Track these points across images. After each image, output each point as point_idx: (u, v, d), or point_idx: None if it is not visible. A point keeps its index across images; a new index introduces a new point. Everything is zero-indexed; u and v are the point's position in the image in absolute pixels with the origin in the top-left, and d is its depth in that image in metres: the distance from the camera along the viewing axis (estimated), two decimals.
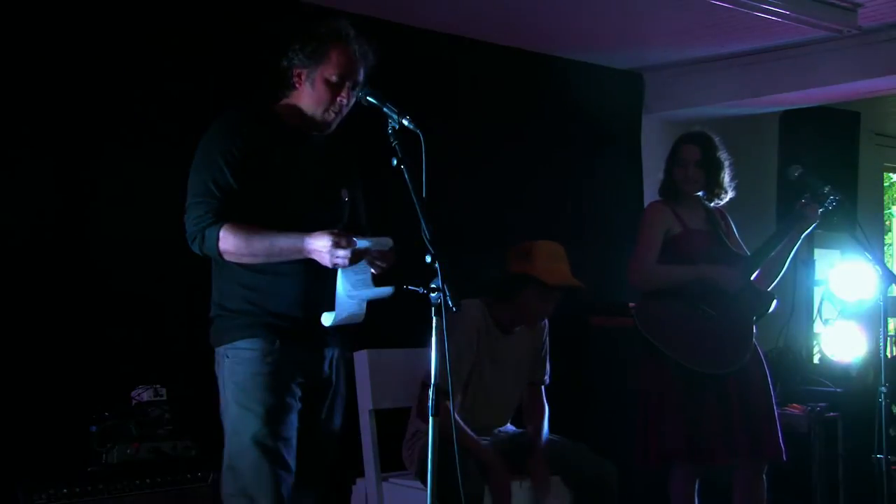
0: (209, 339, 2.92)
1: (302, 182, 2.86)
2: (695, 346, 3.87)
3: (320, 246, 2.69)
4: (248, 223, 2.74)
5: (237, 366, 2.80)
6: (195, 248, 2.78)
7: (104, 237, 3.83)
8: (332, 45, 2.83)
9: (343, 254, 2.68)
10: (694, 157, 3.99)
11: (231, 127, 2.82)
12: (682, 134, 4.09)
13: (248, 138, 2.79)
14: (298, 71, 2.85)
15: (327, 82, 2.83)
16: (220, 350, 2.86)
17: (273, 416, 2.77)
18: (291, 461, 2.80)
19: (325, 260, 2.70)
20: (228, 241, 2.73)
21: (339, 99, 2.85)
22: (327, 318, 2.80)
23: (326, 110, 2.86)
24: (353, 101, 2.88)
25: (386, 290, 2.78)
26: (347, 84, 2.84)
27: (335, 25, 2.87)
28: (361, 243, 2.72)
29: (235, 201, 2.75)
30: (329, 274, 2.79)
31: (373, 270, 2.84)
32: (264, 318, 2.80)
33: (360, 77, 2.87)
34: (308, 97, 2.86)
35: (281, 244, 2.75)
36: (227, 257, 2.76)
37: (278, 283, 2.80)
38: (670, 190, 4.05)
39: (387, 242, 2.78)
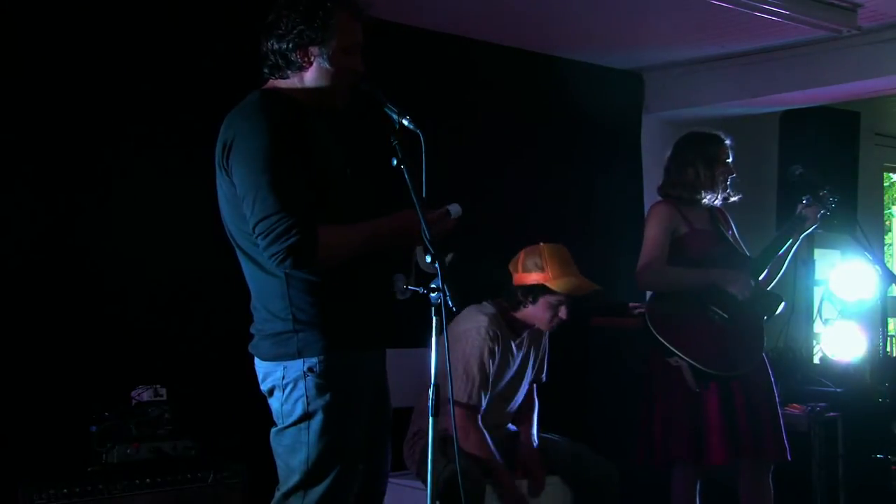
0: (256, 350, 2.70)
1: (332, 163, 2.68)
2: (706, 347, 3.86)
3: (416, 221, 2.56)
4: (324, 223, 2.53)
5: (329, 381, 2.58)
6: (285, 266, 2.51)
7: (105, 237, 3.83)
8: (340, 13, 2.62)
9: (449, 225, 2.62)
10: (730, 156, 4.02)
11: (272, 116, 2.55)
12: (712, 134, 4.05)
13: (290, 125, 2.55)
14: (304, 49, 2.61)
15: (345, 53, 2.63)
16: (293, 363, 2.59)
17: (359, 433, 2.64)
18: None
19: (422, 235, 2.56)
20: (329, 253, 2.53)
21: (359, 68, 2.68)
22: (404, 291, 2.68)
23: (348, 83, 2.68)
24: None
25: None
26: (359, 49, 2.68)
27: None
28: (453, 210, 2.66)
29: (305, 198, 2.51)
30: (383, 266, 2.70)
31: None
32: (347, 329, 2.62)
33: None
34: (323, 74, 2.64)
35: (379, 235, 2.62)
36: (324, 265, 2.55)
37: (349, 289, 2.62)
38: (693, 189, 4.01)
39: (458, 209, 2.70)
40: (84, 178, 3.81)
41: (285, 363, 2.61)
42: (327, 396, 2.58)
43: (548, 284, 3.70)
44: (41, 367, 3.64)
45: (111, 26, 3.86)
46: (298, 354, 2.59)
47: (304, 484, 2.61)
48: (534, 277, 3.73)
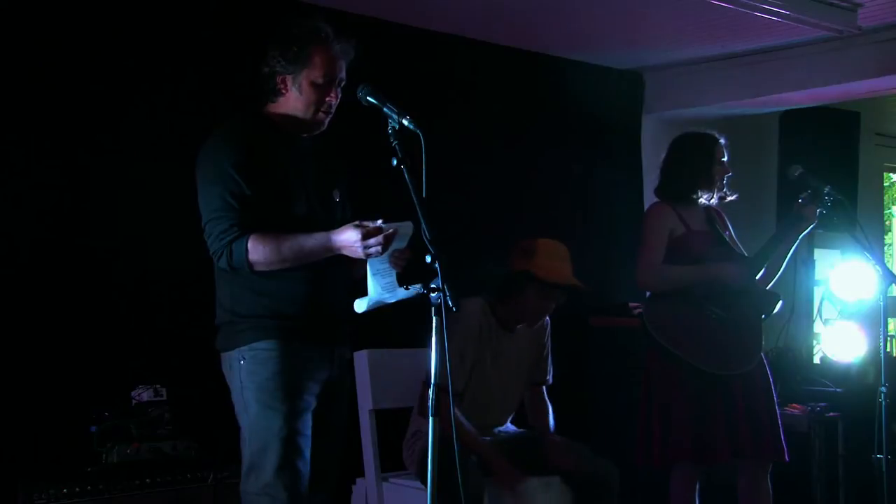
0: (216, 344, 2.93)
1: (300, 185, 2.88)
2: (705, 347, 3.87)
3: (350, 239, 2.71)
4: (264, 230, 2.75)
5: (256, 366, 2.80)
6: (222, 264, 2.78)
7: (105, 237, 3.83)
8: (314, 48, 2.84)
9: (374, 241, 2.69)
10: (726, 155, 4.02)
11: (235, 136, 2.82)
12: (707, 133, 4.06)
13: (253, 146, 2.80)
14: (282, 77, 2.85)
15: (314, 85, 2.85)
16: (233, 353, 2.85)
17: (294, 414, 2.81)
18: (308, 458, 2.85)
19: (358, 252, 2.72)
20: (258, 252, 2.74)
21: (328, 100, 2.88)
22: (360, 305, 2.82)
23: (317, 112, 2.89)
24: (339, 98, 2.91)
25: (411, 292, 2.69)
26: (334, 84, 2.87)
27: (312, 26, 2.86)
28: (387, 228, 2.72)
29: (250, 209, 2.76)
30: (336, 273, 2.86)
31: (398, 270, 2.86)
32: (279, 321, 2.82)
33: (344, 74, 2.90)
34: (297, 101, 2.87)
35: (309, 246, 2.77)
36: (256, 267, 2.76)
37: (289, 287, 2.82)
38: (692, 191, 4.02)
39: (409, 226, 2.76)
40: (84, 178, 3.81)
41: (230, 352, 2.85)
42: (257, 381, 2.79)
43: (530, 270, 3.70)
44: (41, 366, 3.64)
45: (114, 26, 3.87)
46: (235, 344, 2.83)
47: (253, 466, 2.81)
48: (521, 265, 3.74)
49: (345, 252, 2.75)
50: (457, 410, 3.66)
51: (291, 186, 2.85)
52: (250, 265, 2.75)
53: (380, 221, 2.74)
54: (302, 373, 2.85)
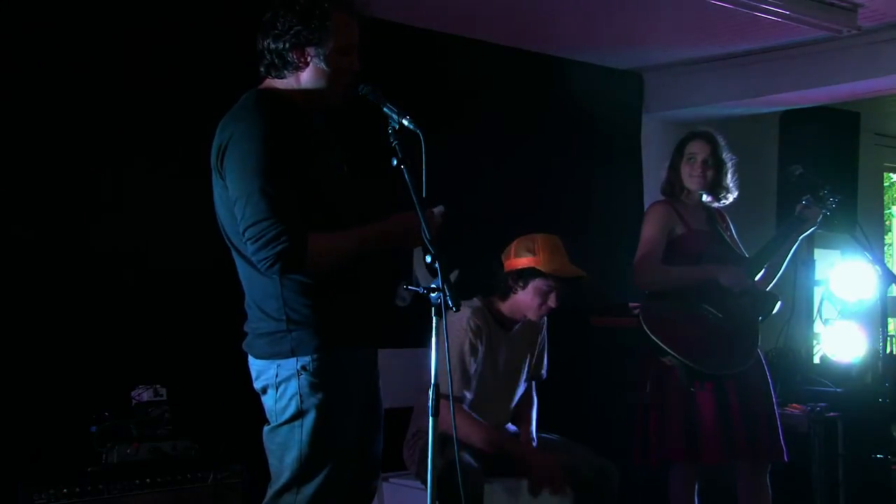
0: (253, 349, 2.71)
1: (331, 164, 2.72)
2: (700, 347, 3.87)
3: (414, 222, 2.57)
4: (315, 230, 2.55)
5: (321, 379, 2.60)
6: (272, 273, 2.54)
7: (105, 237, 3.83)
8: (337, 14, 2.62)
9: (437, 220, 2.62)
10: (703, 153, 4.00)
11: (263, 117, 2.56)
12: (689, 131, 4.09)
13: (286, 129, 2.57)
14: (305, 49, 2.61)
15: (343, 53, 2.64)
16: (284, 362, 2.62)
17: (354, 432, 2.70)
18: (375, 452, 2.79)
19: (419, 236, 2.57)
20: (318, 260, 2.55)
21: (356, 65, 2.69)
22: (405, 296, 2.70)
23: (345, 82, 2.69)
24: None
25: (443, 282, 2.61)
26: (355, 48, 2.69)
27: None
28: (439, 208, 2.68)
29: (296, 203, 2.53)
30: (380, 273, 2.74)
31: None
32: (340, 328, 2.65)
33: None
34: (320, 74, 2.64)
35: (370, 241, 2.65)
36: (314, 271, 2.57)
37: (345, 289, 2.65)
38: (674, 188, 4.04)
39: (441, 208, 2.71)
40: (84, 178, 3.81)
41: (279, 361, 2.63)
42: (320, 395, 2.61)
43: (538, 267, 3.70)
44: (41, 367, 3.64)
45: (113, 25, 3.87)
46: (292, 353, 2.61)
47: (297, 481, 2.64)
48: (524, 262, 3.74)
49: (407, 238, 2.63)
50: (470, 411, 3.67)
51: (325, 166, 2.67)
52: (308, 271, 2.56)
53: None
54: (360, 384, 2.73)
